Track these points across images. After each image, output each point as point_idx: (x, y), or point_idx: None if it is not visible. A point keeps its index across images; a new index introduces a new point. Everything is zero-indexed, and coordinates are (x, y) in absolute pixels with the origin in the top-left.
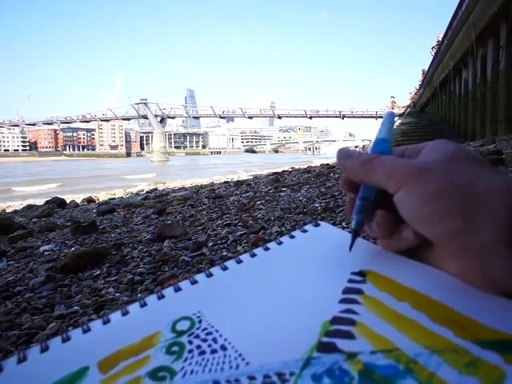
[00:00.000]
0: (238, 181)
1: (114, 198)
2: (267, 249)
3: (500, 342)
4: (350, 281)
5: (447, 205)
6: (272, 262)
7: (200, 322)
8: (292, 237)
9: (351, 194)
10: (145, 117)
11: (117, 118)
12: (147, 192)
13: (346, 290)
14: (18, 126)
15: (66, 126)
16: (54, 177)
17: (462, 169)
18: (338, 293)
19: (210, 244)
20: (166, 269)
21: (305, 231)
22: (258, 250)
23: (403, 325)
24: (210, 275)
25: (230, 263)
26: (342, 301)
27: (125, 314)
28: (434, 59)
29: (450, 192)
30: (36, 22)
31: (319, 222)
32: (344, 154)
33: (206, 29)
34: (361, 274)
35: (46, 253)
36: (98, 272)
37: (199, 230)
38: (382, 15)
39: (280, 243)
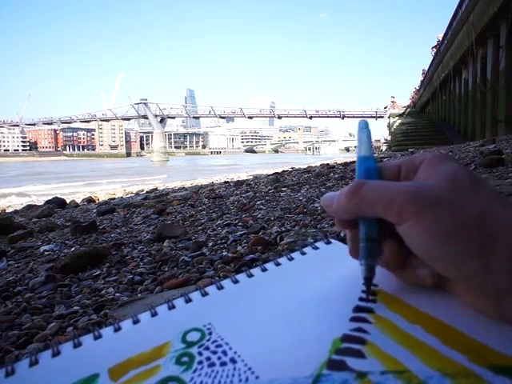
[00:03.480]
0: (238, 181)
1: (114, 198)
2: (278, 264)
3: None
4: (361, 299)
5: (461, 248)
6: (283, 277)
7: (210, 333)
8: (303, 253)
9: (350, 231)
10: (145, 117)
11: (117, 118)
12: (147, 192)
13: (357, 309)
14: (17, 125)
15: (66, 126)
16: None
17: (469, 199)
18: (348, 311)
19: (210, 244)
20: (166, 269)
21: (316, 248)
22: (269, 265)
23: (415, 347)
24: (220, 288)
25: (241, 277)
26: (353, 319)
27: (136, 322)
28: (434, 59)
29: (463, 233)
30: (36, 21)
31: (331, 239)
32: (328, 198)
33: (206, 29)
34: (372, 293)
35: (46, 253)
36: (98, 272)
37: (199, 230)
38: (381, 15)
39: (291, 259)
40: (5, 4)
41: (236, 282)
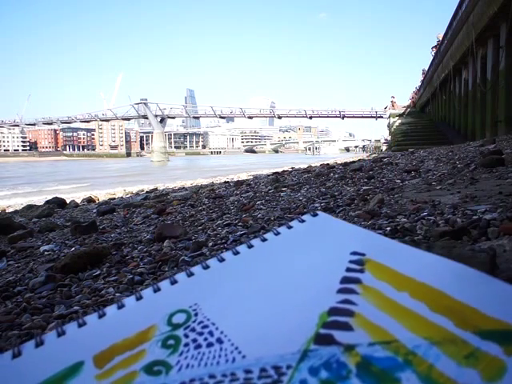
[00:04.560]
0: (238, 181)
1: (114, 198)
2: (264, 240)
3: (500, 332)
4: (349, 270)
5: None
6: (269, 252)
7: (196, 314)
8: (290, 227)
9: None
10: (145, 117)
11: (117, 118)
12: (147, 192)
13: (344, 280)
14: (17, 126)
15: (66, 126)
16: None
17: None
18: (335, 282)
19: (210, 244)
20: (166, 269)
21: (302, 221)
22: (255, 241)
23: (402, 315)
24: (206, 267)
25: (227, 255)
26: (340, 291)
27: (120, 307)
28: (434, 59)
29: None
30: (36, 21)
31: (317, 212)
32: None
33: (206, 29)
34: (359, 262)
35: (45, 253)
36: (98, 272)
37: (199, 230)
38: (381, 15)
39: (277, 234)
40: (5, 4)
41: (222, 260)
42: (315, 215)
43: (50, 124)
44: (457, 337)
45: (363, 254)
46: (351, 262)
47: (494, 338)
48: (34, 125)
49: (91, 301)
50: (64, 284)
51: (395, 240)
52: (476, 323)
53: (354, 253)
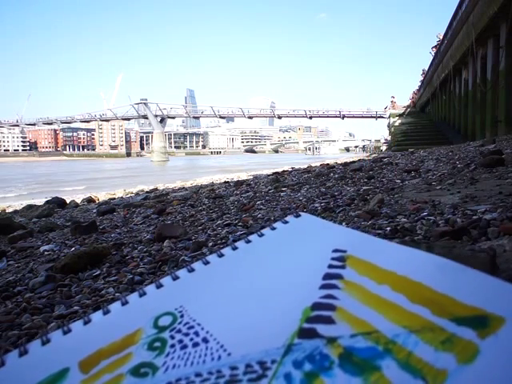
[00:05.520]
0: (238, 181)
1: (114, 198)
2: (248, 241)
3: (474, 317)
4: (331, 266)
5: None
6: (253, 254)
7: (182, 316)
8: (273, 228)
9: None
10: (145, 117)
11: (117, 118)
12: (147, 192)
13: (327, 276)
14: (17, 125)
15: (66, 126)
16: None
17: None
18: (318, 279)
19: (210, 244)
20: (166, 269)
21: (286, 222)
22: (240, 243)
23: (383, 307)
24: (191, 270)
25: (212, 257)
26: (323, 287)
27: (106, 313)
28: (434, 59)
29: None
30: (36, 22)
31: (300, 212)
32: None
33: (205, 29)
34: (341, 259)
35: (46, 253)
36: (98, 272)
37: (199, 230)
38: (381, 15)
39: (261, 235)
40: (5, 4)
41: (207, 262)
42: (298, 216)
43: (50, 124)
44: (434, 324)
45: (344, 251)
46: (333, 258)
47: (469, 323)
48: (33, 125)
49: (91, 301)
50: (64, 284)
51: (375, 236)
52: (452, 311)
53: (336, 250)
